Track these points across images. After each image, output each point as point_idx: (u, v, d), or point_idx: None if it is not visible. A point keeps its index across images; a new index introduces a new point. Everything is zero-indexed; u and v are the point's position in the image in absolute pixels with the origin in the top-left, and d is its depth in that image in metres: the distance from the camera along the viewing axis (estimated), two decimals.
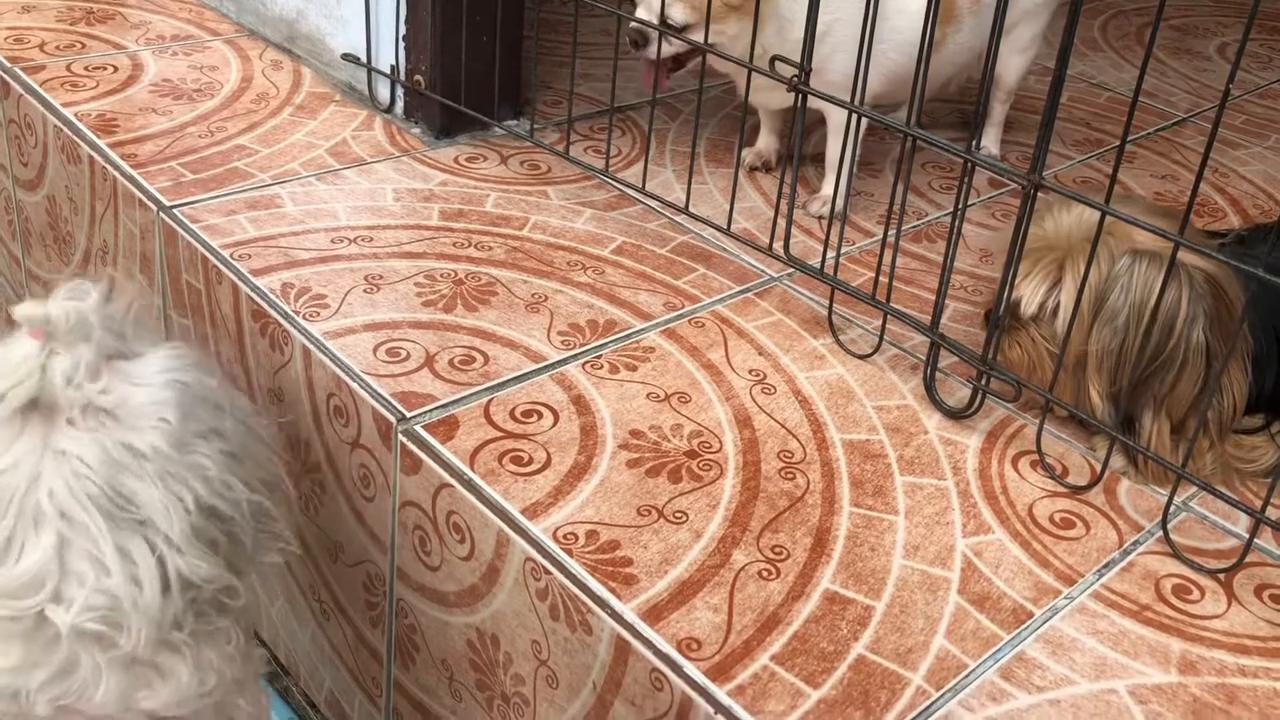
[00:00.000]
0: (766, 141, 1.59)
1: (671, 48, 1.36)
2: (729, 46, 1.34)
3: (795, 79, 1.18)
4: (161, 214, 1.34)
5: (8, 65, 1.62)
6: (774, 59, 1.19)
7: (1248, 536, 1.00)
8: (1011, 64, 1.61)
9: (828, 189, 1.48)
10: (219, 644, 0.90)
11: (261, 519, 0.93)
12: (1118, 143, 0.97)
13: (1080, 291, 1.04)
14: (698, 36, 1.32)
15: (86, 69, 1.65)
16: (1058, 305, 1.08)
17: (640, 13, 1.36)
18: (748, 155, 1.58)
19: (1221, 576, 0.99)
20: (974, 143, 1.08)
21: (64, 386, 0.84)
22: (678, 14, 1.32)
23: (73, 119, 1.50)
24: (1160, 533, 1.02)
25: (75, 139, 1.48)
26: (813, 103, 1.29)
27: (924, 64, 1.07)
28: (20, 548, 0.82)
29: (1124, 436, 1.06)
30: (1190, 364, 1.04)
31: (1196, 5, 2.54)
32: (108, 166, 1.42)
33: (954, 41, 1.47)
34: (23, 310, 0.87)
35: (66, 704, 0.84)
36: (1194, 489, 1.08)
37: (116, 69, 1.66)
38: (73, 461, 0.82)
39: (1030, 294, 1.10)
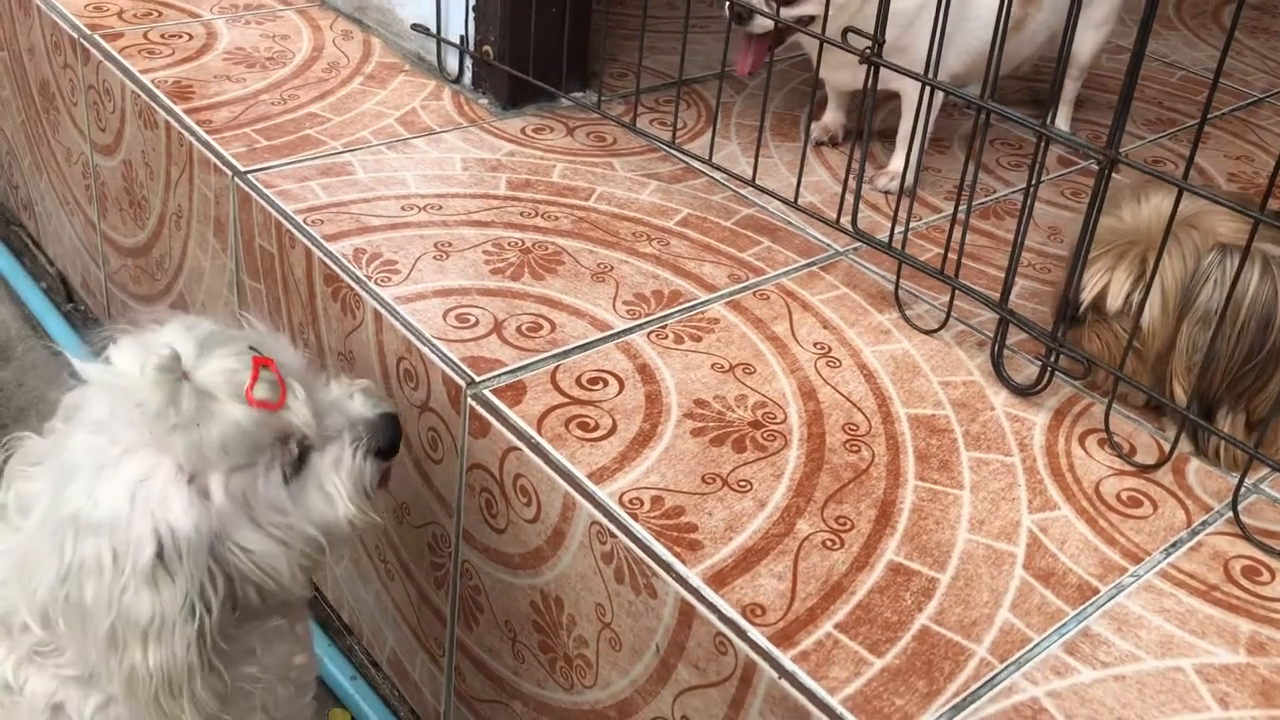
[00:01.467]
0: (834, 116, 1.58)
1: (769, 22, 1.33)
2: (835, 18, 1.28)
3: (868, 50, 1.18)
4: (236, 179, 1.37)
5: (87, 33, 1.65)
6: (846, 30, 1.19)
7: None
8: (1087, 39, 1.59)
9: (896, 164, 1.47)
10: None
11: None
12: (1191, 122, 0.95)
13: (1152, 274, 1.02)
14: (809, 7, 1.31)
15: (163, 36, 1.68)
16: (1143, 300, 1.06)
17: None
18: (815, 130, 1.58)
19: None
20: (1049, 117, 1.07)
21: (151, 417, 0.81)
22: None
23: (150, 85, 1.53)
24: (1230, 513, 1.01)
25: (152, 105, 1.51)
26: (891, 79, 1.28)
27: (1000, 39, 1.06)
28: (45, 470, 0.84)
29: (1195, 416, 1.05)
30: None
31: None
32: (183, 132, 1.45)
33: (1035, 21, 1.46)
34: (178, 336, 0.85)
35: (41, 660, 0.85)
36: (1265, 470, 1.07)
37: (192, 37, 1.69)
38: (71, 454, 0.83)
39: (1117, 289, 1.08)
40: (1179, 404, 1.06)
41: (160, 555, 0.79)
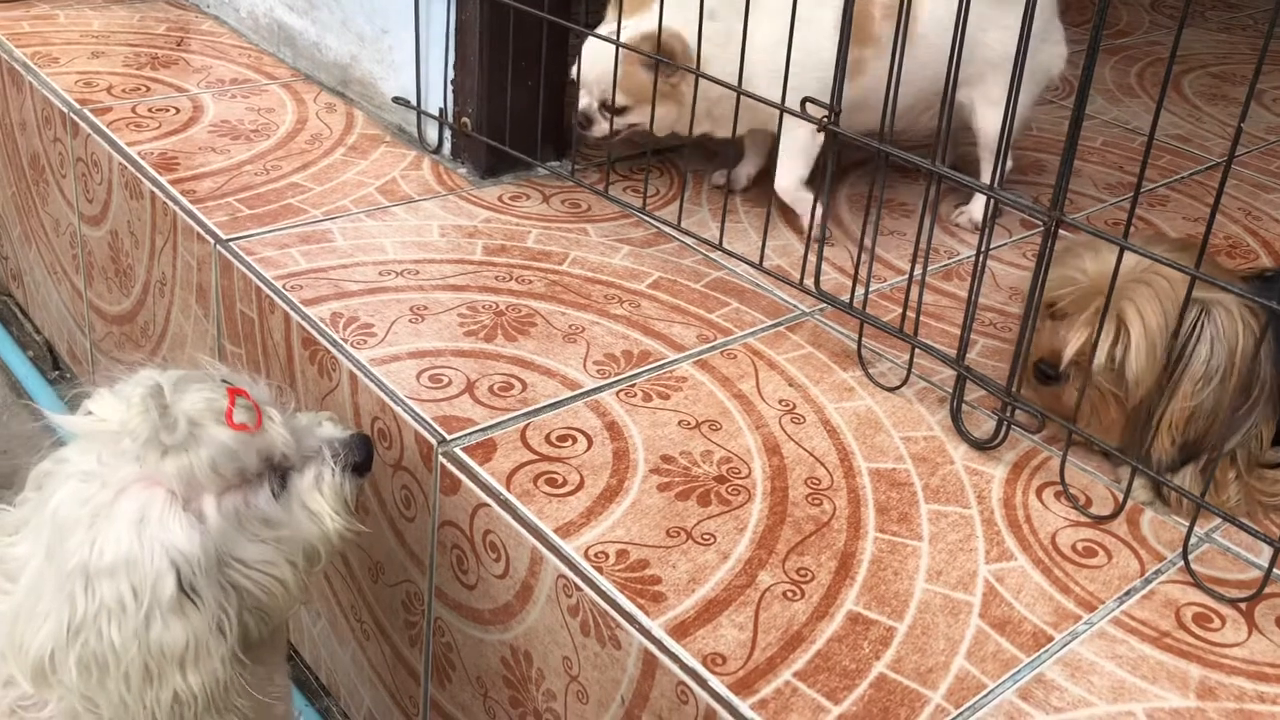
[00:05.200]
0: (745, 165, 1.65)
1: (612, 125, 1.49)
2: (656, 126, 1.48)
3: (825, 119, 1.23)
4: (219, 247, 1.40)
5: (77, 107, 1.70)
6: (805, 100, 1.24)
7: (1268, 567, 1.01)
8: (988, 118, 1.54)
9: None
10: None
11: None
12: (1150, 186, 0.99)
13: (1100, 329, 1.06)
14: (634, 117, 1.48)
15: (150, 110, 1.73)
16: (1120, 354, 1.09)
17: (582, 98, 1.49)
18: (718, 175, 1.67)
19: (1242, 606, 1.00)
20: (995, 178, 1.11)
21: (142, 445, 0.86)
22: (620, 98, 1.46)
23: (136, 157, 1.58)
24: (1181, 562, 1.04)
25: (139, 176, 1.55)
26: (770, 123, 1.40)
27: (892, 90, 1.11)
28: (23, 534, 0.87)
29: (1160, 474, 1.08)
30: (1264, 398, 1.06)
31: (1234, 53, 2.57)
32: (168, 202, 1.49)
33: (878, 66, 1.38)
34: (145, 387, 0.88)
35: (22, 713, 0.87)
36: (1217, 520, 1.09)
37: (178, 110, 1.74)
38: (65, 500, 0.85)
39: (1100, 343, 1.10)
40: (1164, 453, 1.08)
41: (180, 583, 0.84)
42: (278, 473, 0.93)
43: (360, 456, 0.99)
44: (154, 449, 0.85)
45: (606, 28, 1.46)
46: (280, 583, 0.93)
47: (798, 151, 1.48)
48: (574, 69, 1.50)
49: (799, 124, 1.34)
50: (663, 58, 1.40)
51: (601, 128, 1.50)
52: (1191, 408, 1.07)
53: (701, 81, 1.40)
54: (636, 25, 1.42)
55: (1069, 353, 1.12)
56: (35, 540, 0.85)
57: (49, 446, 0.92)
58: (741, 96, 1.37)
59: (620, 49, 1.41)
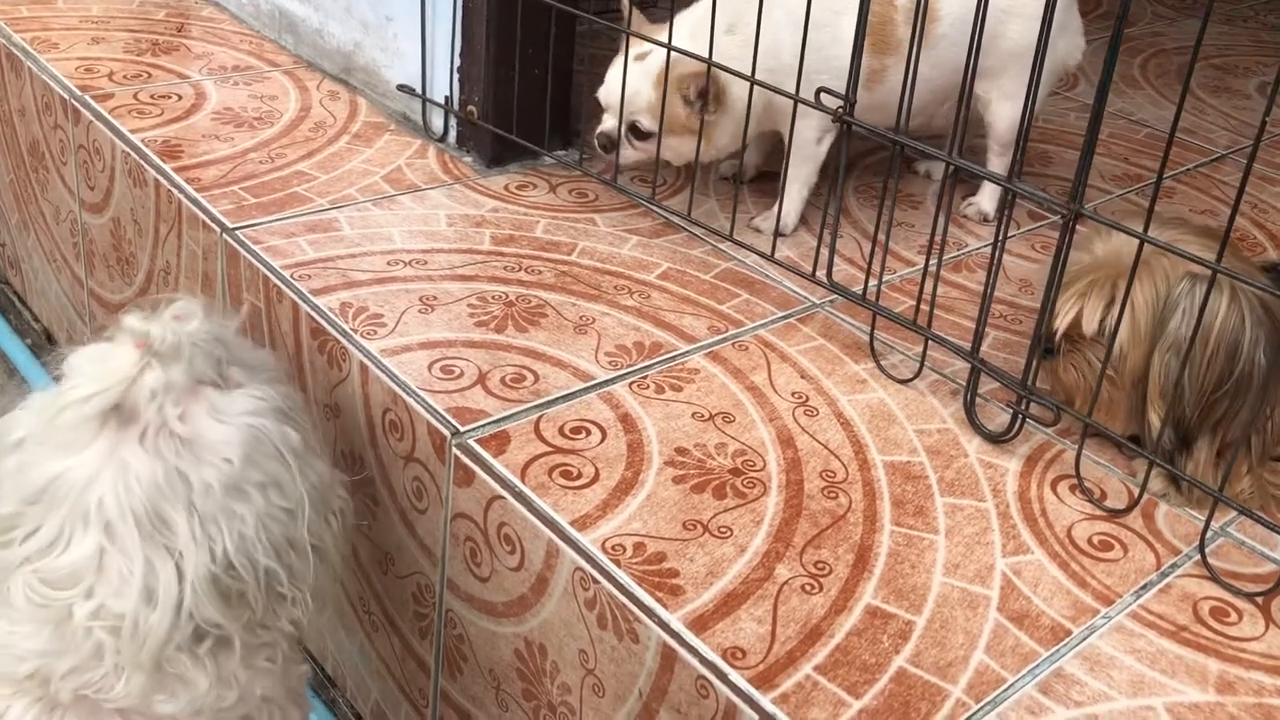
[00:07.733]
0: (750, 156, 1.64)
1: (636, 152, 1.47)
2: (675, 153, 1.46)
3: (840, 110, 1.22)
4: (224, 235, 1.39)
5: (78, 93, 1.69)
6: (819, 91, 1.23)
7: None
8: (1001, 112, 1.52)
9: (784, 205, 1.51)
10: (251, 659, 0.93)
11: (275, 585, 0.93)
12: (1155, 177, 0.99)
13: (1122, 308, 1.05)
14: (657, 146, 1.45)
15: (152, 97, 1.71)
16: (1115, 325, 1.09)
17: (607, 120, 1.47)
18: (726, 166, 1.65)
19: (1259, 600, 1.00)
20: (1012, 170, 1.11)
21: (147, 401, 0.89)
22: (646, 122, 1.43)
23: (140, 144, 1.56)
24: (1198, 556, 1.04)
25: (142, 163, 1.53)
26: (780, 123, 1.41)
27: (908, 96, 1.10)
28: (68, 542, 0.86)
29: (1164, 460, 1.08)
30: (1254, 386, 1.06)
31: (1236, 44, 2.56)
32: (173, 190, 1.48)
33: (897, 73, 1.37)
34: (129, 321, 0.92)
35: (88, 695, 0.88)
36: (1232, 514, 1.09)
37: (181, 97, 1.72)
38: (129, 475, 0.86)
39: (1090, 313, 1.11)
40: (1154, 430, 1.08)
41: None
42: None
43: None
44: (181, 361, 0.91)
45: (635, 50, 1.42)
46: (311, 420, 1.06)
47: (804, 159, 1.48)
48: (600, 90, 1.47)
49: (806, 127, 1.37)
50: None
51: (626, 155, 1.47)
52: (1163, 381, 1.07)
53: (734, 111, 1.39)
54: (675, 60, 1.37)
55: (1061, 323, 1.12)
56: (105, 535, 0.86)
57: None
58: (765, 111, 1.39)
59: (654, 76, 1.39)
